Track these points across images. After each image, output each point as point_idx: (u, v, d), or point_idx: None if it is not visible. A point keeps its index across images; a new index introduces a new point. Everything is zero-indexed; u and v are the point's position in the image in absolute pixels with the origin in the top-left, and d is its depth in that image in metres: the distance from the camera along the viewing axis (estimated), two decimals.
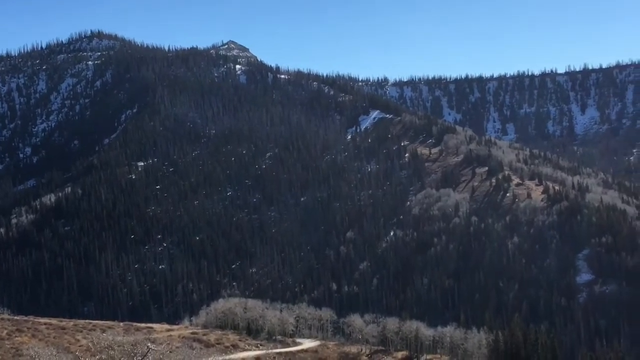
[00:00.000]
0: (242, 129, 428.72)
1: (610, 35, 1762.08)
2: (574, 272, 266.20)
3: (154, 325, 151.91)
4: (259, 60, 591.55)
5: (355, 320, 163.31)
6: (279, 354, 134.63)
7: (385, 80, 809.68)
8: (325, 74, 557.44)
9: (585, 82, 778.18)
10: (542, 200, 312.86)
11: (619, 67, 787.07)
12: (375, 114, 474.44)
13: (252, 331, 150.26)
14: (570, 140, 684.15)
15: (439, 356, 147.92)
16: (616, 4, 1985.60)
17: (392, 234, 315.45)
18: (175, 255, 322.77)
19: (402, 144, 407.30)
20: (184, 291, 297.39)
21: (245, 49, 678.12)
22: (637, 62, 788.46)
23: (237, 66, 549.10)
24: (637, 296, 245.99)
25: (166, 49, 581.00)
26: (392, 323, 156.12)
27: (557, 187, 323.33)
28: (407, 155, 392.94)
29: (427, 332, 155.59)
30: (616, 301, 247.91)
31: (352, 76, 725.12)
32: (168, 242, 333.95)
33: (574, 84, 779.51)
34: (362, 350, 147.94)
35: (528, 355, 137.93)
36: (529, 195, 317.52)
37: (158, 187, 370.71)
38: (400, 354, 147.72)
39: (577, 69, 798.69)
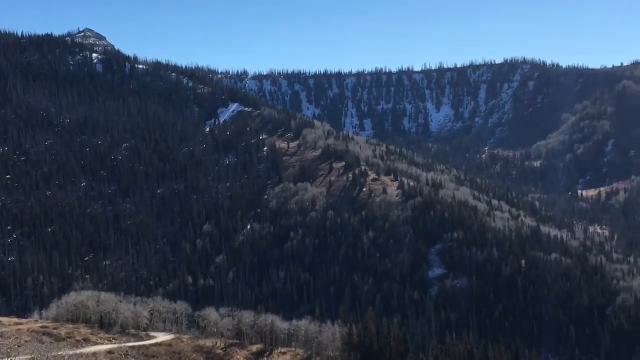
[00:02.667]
0: (98, 119, 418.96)
1: (465, 36, 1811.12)
2: (427, 267, 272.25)
3: (2, 319, 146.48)
4: (116, 49, 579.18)
5: (211, 313, 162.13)
6: (132, 348, 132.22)
7: (245, 73, 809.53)
8: (184, 66, 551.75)
9: (440, 80, 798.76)
10: (397, 196, 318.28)
11: (473, 67, 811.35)
12: (234, 107, 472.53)
13: (105, 325, 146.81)
14: (425, 137, 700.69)
15: (293, 349, 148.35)
16: (470, 6, 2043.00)
17: (249, 227, 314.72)
18: (25, 247, 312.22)
19: (261, 138, 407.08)
20: (35, 284, 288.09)
21: (102, 38, 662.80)
22: (490, 63, 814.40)
23: (94, 55, 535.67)
24: (486, 290, 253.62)
25: (19, 35, 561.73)
26: (247, 316, 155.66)
27: (412, 183, 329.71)
28: (265, 149, 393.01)
29: (282, 325, 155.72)
30: (466, 295, 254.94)
31: (212, 68, 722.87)
32: (18, 234, 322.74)
33: (429, 82, 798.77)
34: (217, 343, 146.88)
35: (381, 348, 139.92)
36: (384, 191, 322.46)
37: (9, 176, 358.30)
38: (255, 348, 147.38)
39: (433, 68, 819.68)
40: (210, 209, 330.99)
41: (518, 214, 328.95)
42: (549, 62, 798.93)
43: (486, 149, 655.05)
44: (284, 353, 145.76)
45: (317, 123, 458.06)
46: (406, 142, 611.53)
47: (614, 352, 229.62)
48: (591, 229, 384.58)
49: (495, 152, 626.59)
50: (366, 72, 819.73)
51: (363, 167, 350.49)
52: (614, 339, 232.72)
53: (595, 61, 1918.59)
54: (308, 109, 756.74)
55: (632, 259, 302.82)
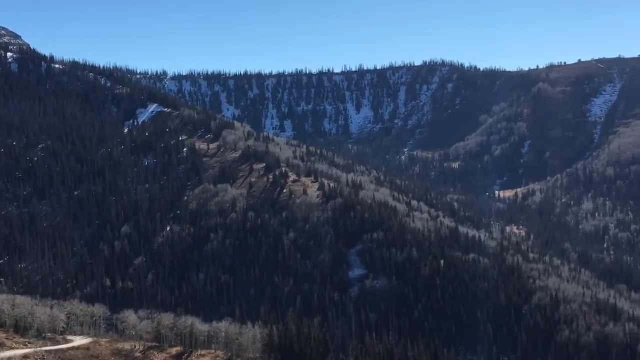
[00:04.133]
0: (12, 119, 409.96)
1: (384, 38, 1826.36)
2: (347, 267, 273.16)
3: None
4: (32, 48, 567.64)
5: (130, 316, 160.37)
6: (49, 352, 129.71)
7: (164, 73, 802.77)
8: (102, 66, 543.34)
9: (360, 82, 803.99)
10: (317, 197, 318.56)
11: (393, 69, 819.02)
12: (153, 107, 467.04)
13: (21, 329, 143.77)
14: (345, 139, 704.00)
15: (213, 351, 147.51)
16: (389, 8, 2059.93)
17: (168, 229, 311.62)
18: None
19: (181, 139, 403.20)
20: None
21: (17, 37, 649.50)
22: (409, 65, 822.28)
23: (9, 54, 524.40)
24: (405, 290, 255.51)
25: None
26: (167, 319, 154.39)
27: (332, 184, 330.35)
28: (185, 150, 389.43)
29: (202, 327, 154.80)
30: (386, 295, 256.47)
31: (130, 68, 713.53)
32: None
33: (350, 84, 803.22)
34: (135, 346, 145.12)
35: (301, 349, 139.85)
36: (305, 192, 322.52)
37: None
38: (174, 350, 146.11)
39: (353, 70, 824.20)
40: (129, 210, 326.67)
41: (437, 215, 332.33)
42: (467, 65, 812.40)
43: (405, 150, 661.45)
44: (204, 355, 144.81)
45: (237, 124, 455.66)
46: (326, 143, 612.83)
47: (530, 349, 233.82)
48: (508, 229, 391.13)
49: (415, 153, 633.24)
50: (286, 73, 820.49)
51: (283, 169, 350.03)
52: (530, 337, 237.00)
53: (511, 64, 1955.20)
54: (228, 109, 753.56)
55: (547, 259, 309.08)
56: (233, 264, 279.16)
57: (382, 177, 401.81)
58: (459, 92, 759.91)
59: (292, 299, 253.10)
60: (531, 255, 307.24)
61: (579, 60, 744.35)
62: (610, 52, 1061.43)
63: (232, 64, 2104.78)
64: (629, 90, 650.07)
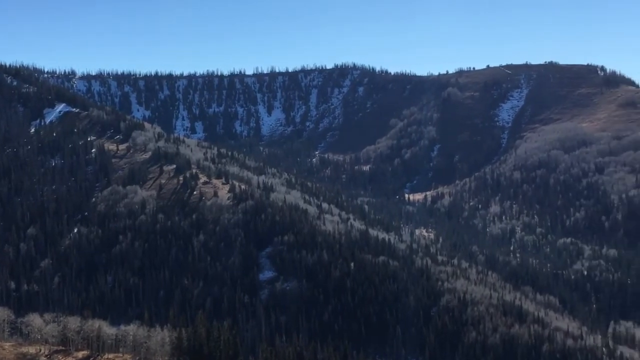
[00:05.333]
0: None
1: (296, 41, 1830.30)
2: (257, 270, 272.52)
3: None
4: None
5: (35, 319, 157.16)
6: None
7: (73, 73, 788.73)
8: (8, 64, 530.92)
9: (272, 84, 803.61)
10: (228, 199, 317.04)
11: (304, 72, 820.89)
12: (61, 107, 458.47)
13: None
14: (256, 141, 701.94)
15: (121, 355, 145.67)
16: (301, 10, 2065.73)
17: (76, 230, 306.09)
18: None
19: (89, 139, 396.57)
20: None
21: None
22: (321, 68, 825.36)
23: None
24: (315, 292, 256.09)
25: None
26: (73, 322, 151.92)
27: (243, 186, 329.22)
28: (93, 150, 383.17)
29: (109, 330, 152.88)
30: (296, 297, 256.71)
31: (38, 67, 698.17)
32: None
33: (261, 86, 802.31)
34: (40, 350, 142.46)
35: (210, 351, 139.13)
36: (215, 194, 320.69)
37: None
38: (81, 354, 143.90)
39: (265, 71, 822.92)
40: (35, 211, 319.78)
41: (347, 217, 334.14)
42: (378, 69, 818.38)
43: (317, 152, 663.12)
44: (111, 359, 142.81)
45: (147, 125, 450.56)
46: (238, 145, 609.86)
47: (438, 351, 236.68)
48: (417, 231, 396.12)
49: (326, 155, 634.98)
50: (197, 75, 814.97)
51: (194, 170, 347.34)
52: (438, 338, 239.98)
53: (422, 69, 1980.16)
54: (138, 110, 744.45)
55: (455, 261, 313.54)
56: (142, 266, 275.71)
57: (293, 180, 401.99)
58: (369, 96, 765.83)
59: (201, 301, 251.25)
60: (440, 258, 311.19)
61: (488, 66, 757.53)
62: (518, 59, 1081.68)
63: (143, 64, 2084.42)
64: (535, 96, 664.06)
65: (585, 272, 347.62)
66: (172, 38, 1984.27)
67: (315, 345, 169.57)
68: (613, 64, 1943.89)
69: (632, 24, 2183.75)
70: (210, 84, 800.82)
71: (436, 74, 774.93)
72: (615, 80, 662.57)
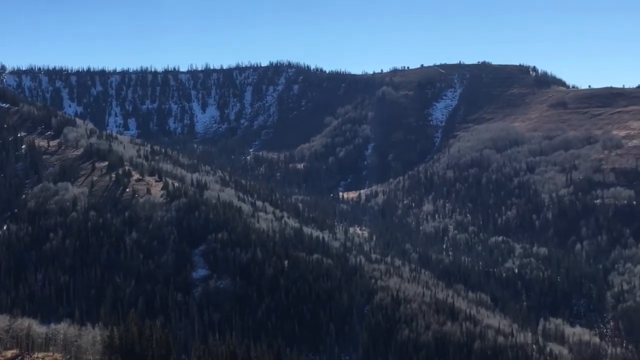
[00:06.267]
0: None
1: (231, 38, 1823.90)
2: (191, 268, 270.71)
3: None
4: None
5: None
6: None
7: (3, 68, 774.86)
8: None
9: (206, 81, 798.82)
10: (161, 197, 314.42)
11: (239, 69, 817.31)
12: None
13: None
14: (190, 138, 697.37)
15: (51, 354, 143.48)
16: (236, 8, 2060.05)
17: (5, 228, 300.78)
18: None
19: (19, 135, 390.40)
20: None
21: None
22: (255, 65, 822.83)
23: None
24: (249, 290, 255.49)
25: None
26: (2, 320, 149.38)
27: (176, 184, 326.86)
28: (24, 147, 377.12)
29: (39, 329, 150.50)
30: (230, 295, 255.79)
31: None
32: None
33: (195, 83, 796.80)
34: None
35: (142, 350, 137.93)
36: (148, 191, 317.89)
37: None
38: (9, 353, 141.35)
39: (199, 69, 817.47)
40: None
41: (281, 215, 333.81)
42: (312, 67, 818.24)
43: (251, 150, 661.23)
44: (41, 358, 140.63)
45: (79, 121, 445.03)
46: (171, 142, 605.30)
47: (371, 348, 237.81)
48: (351, 229, 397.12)
49: (260, 153, 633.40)
50: (131, 71, 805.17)
51: (126, 167, 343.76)
52: (372, 336, 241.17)
53: (356, 67, 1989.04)
54: (70, 106, 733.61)
55: (389, 259, 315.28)
56: (73, 264, 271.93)
57: (227, 177, 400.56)
58: (304, 94, 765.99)
59: (133, 299, 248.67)
60: (373, 256, 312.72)
61: (422, 65, 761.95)
62: (451, 58, 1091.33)
63: (75, 59, 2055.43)
64: (468, 96, 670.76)
65: (516, 270, 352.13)
66: (105, 33, 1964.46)
67: (248, 344, 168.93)
68: (544, 64, 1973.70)
69: (563, 26, 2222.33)
70: (143, 80, 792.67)
71: (371, 72, 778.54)
72: (546, 81, 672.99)
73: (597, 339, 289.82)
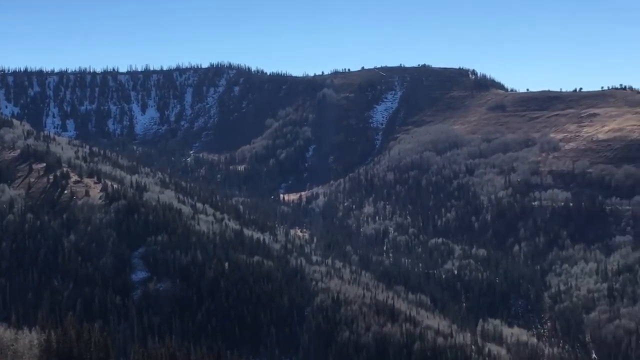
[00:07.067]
0: None
1: (171, 39, 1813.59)
2: (130, 270, 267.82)
3: None
4: None
5: None
6: None
7: None
8: None
9: (146, 82, 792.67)
10: (100, 198, 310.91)
11: (179, 70, 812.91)
12: None
13: None
14: (130, 139, 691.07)
15: None
16: (176, 8, 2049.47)
17: None
18: None
19: None
20: None
21: None
22: (196, 67, 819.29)
23: None
24: (189, 293, 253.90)
25: None
26: None
27: (115, 186, 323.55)
28: None
29: None
30: (170, 298, 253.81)
31: None
32: None
33: (135, 84, 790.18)
34: None
35: (81, 353, 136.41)
36: (87, 193, 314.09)
37: None
38: None
39: (139, 69, 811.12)
40: None
41: (222, 217, 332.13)
42: (253, 68, 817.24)
43: (191, 152, 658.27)
44: None
45: (15, 122, 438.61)
46: (110, 143, 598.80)
47: (311, 350, 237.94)
48: (292, 231, 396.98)
49: (201, 155, 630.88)
50: (69, 71, 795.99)
51: (65, 169, 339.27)
52: (312, 338, 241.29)
53: (297, 69, 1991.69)
54: (7, 107, 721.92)
55: (329, 261, 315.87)
56: (9, 267, 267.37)
57: (167, 179, 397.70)
58: (245, 96, 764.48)
59: (72, 302, 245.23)
60: (314, 258, 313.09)
61: (363, 68, 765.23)
62: (392, 61, 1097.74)
63: (11, 59, 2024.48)
64: (408, 98, 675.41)
65: (456, 272, 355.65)
66: (43, 33, 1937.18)
67: (188, 346, 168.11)
68: (484, 68, 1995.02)
69: (502, 30, 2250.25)
70: (82, 81, 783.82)
71: (312, 74, 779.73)
72: (485, 84, 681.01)
73: (534, 339, 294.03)
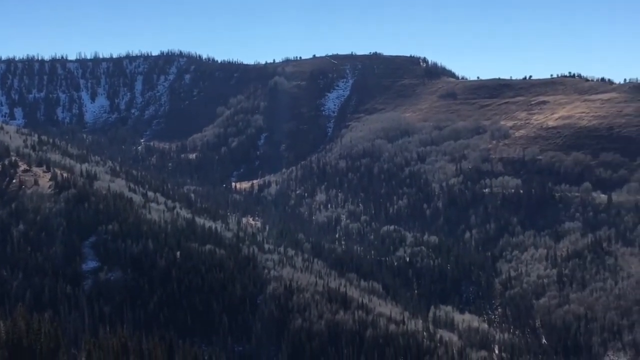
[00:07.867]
0: None
1: (120, 27, 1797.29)
2: (80, 260, 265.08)
3: None
4: None
5: None
6: None
7: None
8: None
9: (96, 70, 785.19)
10: (49, 188, 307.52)
11: (129, 58, 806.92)
12: None
13: None
14: (80, 128, 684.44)
15: None
16: None
17: None
18: None
19: None
20: None
21: None
22: (146, 54, 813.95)
23: None
24: (141, 282, 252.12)
25: None
26: None
27: (65, 174, 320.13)
28: None
29: None
30: (121, 287, 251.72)
31: None
32: None
33: (84, 72, 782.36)
34: None
35: (31, 344, 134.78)
36: (36, 182, 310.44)
37: None
38: None
39: (88, 57, 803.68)
40: None
41: (174, 206, 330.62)
42: (204, 56, 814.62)
43: (142, 140, 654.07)
44: None
45: None
46: (60, 132, 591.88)
47: (264, 338, 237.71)
48: (244, 220, 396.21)
49: (152, 143, 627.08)
50: (17, 59, 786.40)
51: (13, 158, 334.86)
52: (265, 326, 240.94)
53: (248, 57, 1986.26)
54: None
55: (282, 249, 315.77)
56: None
57: (118, 168, 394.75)
58: (196, 84, 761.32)
59: (21, 293, 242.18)
60: (266, 246, 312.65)
61: (314, 56, 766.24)
62: (343, 49, 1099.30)
63: None
64: (360, 86, 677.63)
65: (408, 259, 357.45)
66: None
67: (140, 336, 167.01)
68: (434, 56, 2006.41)
69: (452, 18, 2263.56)
70: (30, 69, 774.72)
71: (263, 62, 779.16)
72: (436, 72, 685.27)
73: (485, 325, 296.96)
